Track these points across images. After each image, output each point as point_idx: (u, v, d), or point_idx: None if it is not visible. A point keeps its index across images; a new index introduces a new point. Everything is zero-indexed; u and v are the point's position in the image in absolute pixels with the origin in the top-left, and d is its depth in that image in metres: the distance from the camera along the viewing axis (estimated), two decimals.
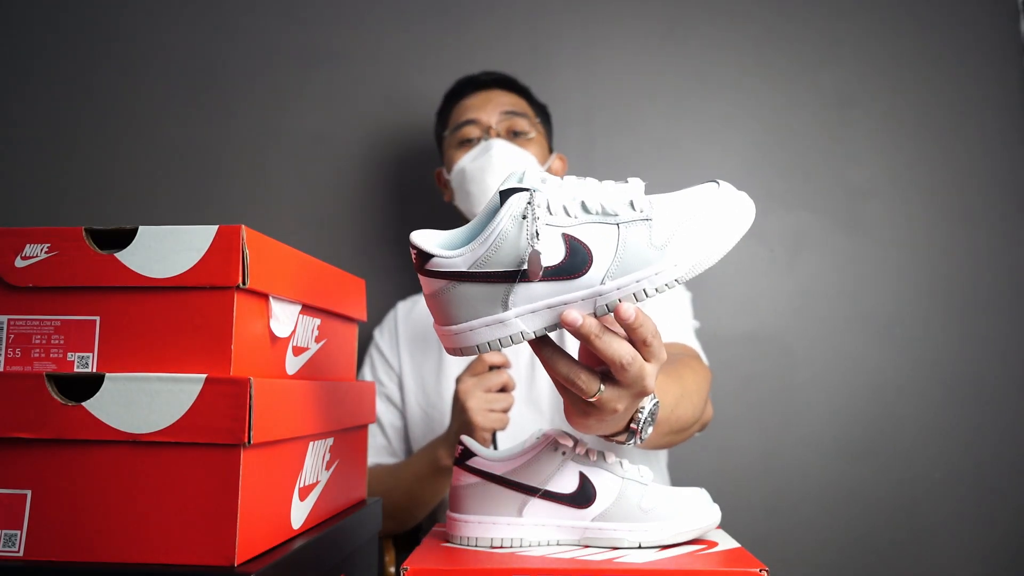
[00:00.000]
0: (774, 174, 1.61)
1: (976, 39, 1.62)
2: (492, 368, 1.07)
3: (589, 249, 0.61)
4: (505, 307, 0.61)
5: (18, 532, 0.54)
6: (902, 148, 1.61)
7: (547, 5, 1.64)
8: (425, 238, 0.62)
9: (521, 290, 0.61)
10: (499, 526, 0.77)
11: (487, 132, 1.27)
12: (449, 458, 1.07)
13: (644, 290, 0.61)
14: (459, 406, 1.05)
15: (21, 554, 0.54)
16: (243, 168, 1.61)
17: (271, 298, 0.61)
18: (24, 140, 1.62)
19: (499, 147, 1.22)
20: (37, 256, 0.57)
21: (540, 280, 0.60)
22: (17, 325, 0.57)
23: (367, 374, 1.33)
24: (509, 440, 1.15)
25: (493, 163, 1.21)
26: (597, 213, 0.61)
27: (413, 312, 1.35)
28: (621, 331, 0.62)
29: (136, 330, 0.56)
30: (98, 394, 0.54)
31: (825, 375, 1.56)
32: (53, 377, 0.55)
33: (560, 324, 0.61)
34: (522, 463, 0.77)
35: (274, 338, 0.62)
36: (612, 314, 0.61)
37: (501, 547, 0.76)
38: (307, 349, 0.69)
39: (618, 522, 0.76)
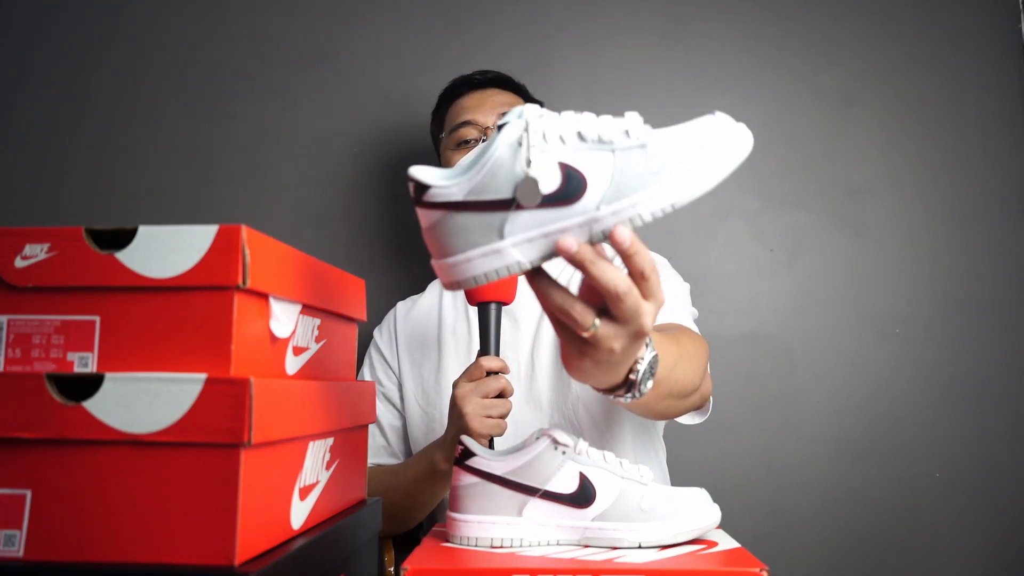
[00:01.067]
0: (774, 174, 1.61)
1: (976, 39, 1.62)
2: (490, 374, 1.06)
3: (584, 175, 0.60)
4: (501, 236, 0.60)
5: (18, 532, 0.54)
6: (902, 148, 1.61)
7: (547, 5, 1.64)
8: (424, 171, 0.62)
9: (516, 218, 0.60)
10: (499, 526, 0.77)
11: (484, 133, 1.27)
12: (446, 462, 1.07)
13: (640, 214, 0.60)
14: (456, 412, 1.04)
15: (21, 554, 0.54)
16: (243, 168, 1.61)
17: (271, 298, 0.61)
18: (24, 140, 1.62)
19: None
20: (37, 256, 0.57)
21: (535, 207, 0.60)
22: (17, 325, 0.57)
23: (366, 374, 1.33)
24: (509, 439, 1.15)
25: None
26: (593, 141, 0.61)
27: (412, 312, 1.35)
28: (622, 268, 0.62)
29: (136, 330, 0.56)
30: (98, 394, 0.54)
31: (825, 375, 1.56)
32: (53, 377, 0.55)
33: (556, 251, 0.61)
34: (522, 463, 0.77)
35: (274, 338, 0.62)
36: (608, 241, 0.61)
37: (501, 547, 0.76)
38: (307, 349, 0.69)
39: (618, 522, 0.76)
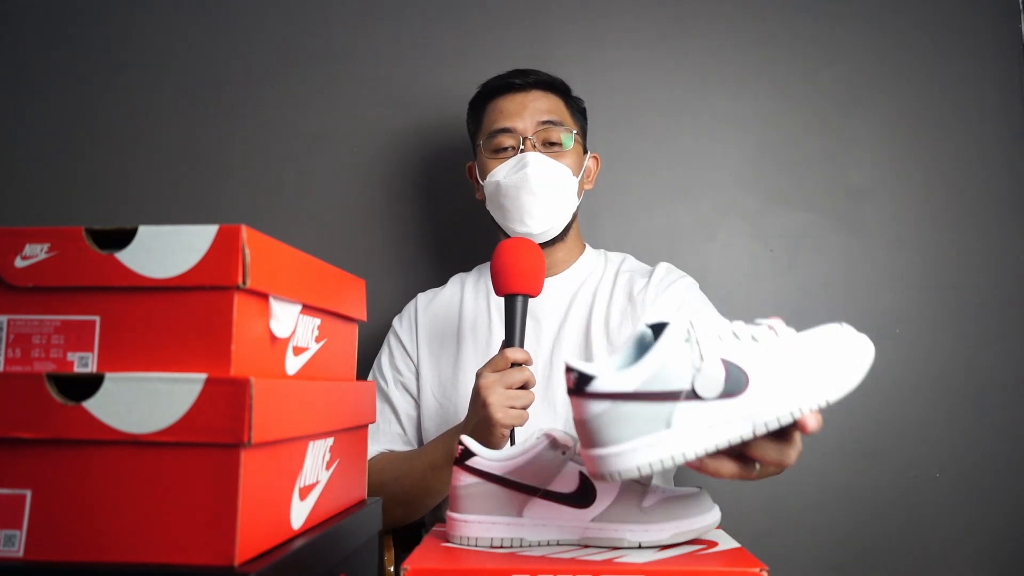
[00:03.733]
0: (774, 174, 1.61)
1: (976, 39, 1.62)
2: (514, 365, 1.07)
3: (745, 371, 0.65)
4: (668, 426, 0.64)
5: (18, 532, 0.54)
6: (902, 148, 1.61)
7: (547, 5, 1.64)
8: (585, 364, 0.67)
9: (685, 409, 0.64)
10: (499, 526, 0.77)
11: (523, 142, 1.25)
12: None
13: (800, 408, 0.66)
14: (479, 401, 1.05)
15: (21, 554, 0.54)
16: (243, 168, 1.61)
17: (271, 298, 0.61)
18: (25, 140, 1.62)
19: (535, 165, 1.22)
20: (37, 256, 0.57)
21: (703, 400, 0.64)
22: (17, 325, 0.57)
23: (385, 362, 1.33)
24: (522, 438, 1.15)
25: (530, 182, 1.21)
26: (747, 340, 0.67)
27: (433, 304, 1.35)
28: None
29: (136, 330, 0.56)
30: (98, 394, 0.54)
31: None
32: (53, 377, 0.55)
33: (799, 427, 0.68)
34: (522, 463, 0.77)
35: (274, 338, 0.62)
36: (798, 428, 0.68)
37: (501, 547, 0.77)
38: (307, 349, 0.69)
39: (618, 522, 0.76)
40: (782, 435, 0.69)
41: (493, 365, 1.06)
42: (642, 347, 0.67)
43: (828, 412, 1.64)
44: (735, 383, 0.64)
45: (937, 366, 1.56)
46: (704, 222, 1.59)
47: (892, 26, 1.63)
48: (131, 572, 0.53)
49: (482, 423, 1.04)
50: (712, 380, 0.64)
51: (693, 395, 0.64)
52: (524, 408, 1.05)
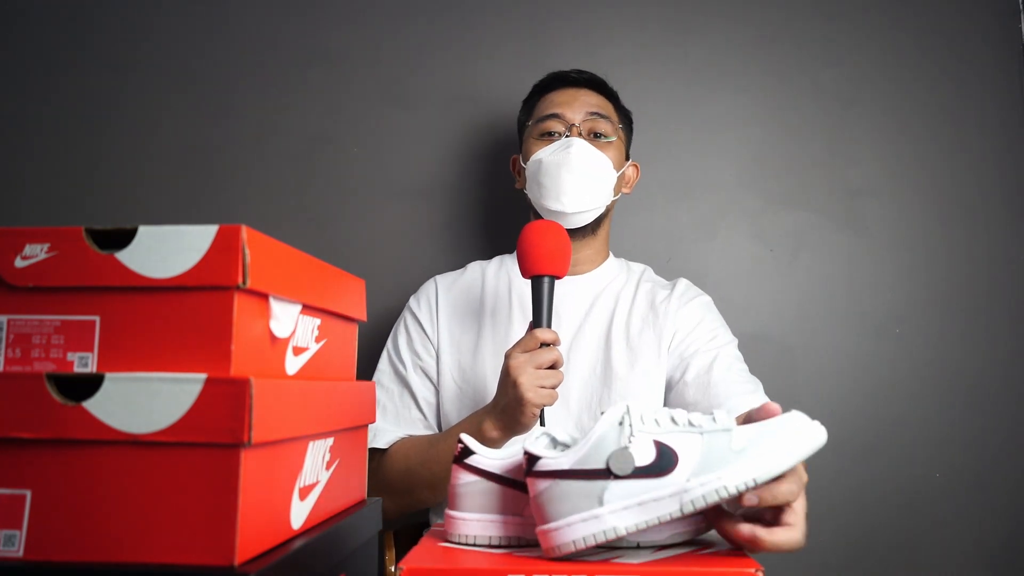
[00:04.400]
0: (774, 174, 1.61)
1: (976, 39, 1.62)
2: (543, 345, 1.07)
3: (675, 451, 0.69)
4: (600, 503, 0.68)
5: (18, 532, 0.54)
6: (902, 148, 1.61)
7: (547, 4, 1.64)
8: (537, 445, 0.72)
9: (615, 487, 0.68)
10: (498, 524, 0.77)
11: (569, 129, 1.29)
12: (495, 430, 1.08)
13: (725, 486, 0.68)
14: (510, 381, 1.06)
15: (21, 554, 0.54)
16: (243, 168, 1.61)
17: (271, 298, 0.61)
18: (24, 140, 1.62)
19: (579, 147, 1.25)
20: (37, 256, 0.57)
21: (632, 478, 0.68)
22: (17, 325, 0.57)
23: (403, 345, 1.32)
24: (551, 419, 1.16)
25: (571, 161, 1.24)
26: (684, 425, 0.70)
27: (454, 288, 1.35)
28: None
29: (136, 330, 0.56)
30: (98, 394, 0.54)
31: (825, 375, 1.56)
32: (53, 377, 0.55)
33: (660, 520, 0.68)
34: (521, 462, 0.77)
35: (274, 338, 0.62)
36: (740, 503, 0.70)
37: (499, 546, 0.76)
38: (307, 349, 0.70)
39: None
40: (764, 517, 0.72)
41: (523, 345, 1.08)
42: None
43: (828, 412, 1.64)
44: (665, 462, 0.68)
45: (937, 366, 1.56)
46: (704, 222, 1.59)
47: (892, 26, 1.63)
48: (131, 572, 0.53)
49: (512, 403, 1.05)
50: (626, 458, 0.68)
51: (613, 471, 0.68)
52: (554, 387, 1.07)
